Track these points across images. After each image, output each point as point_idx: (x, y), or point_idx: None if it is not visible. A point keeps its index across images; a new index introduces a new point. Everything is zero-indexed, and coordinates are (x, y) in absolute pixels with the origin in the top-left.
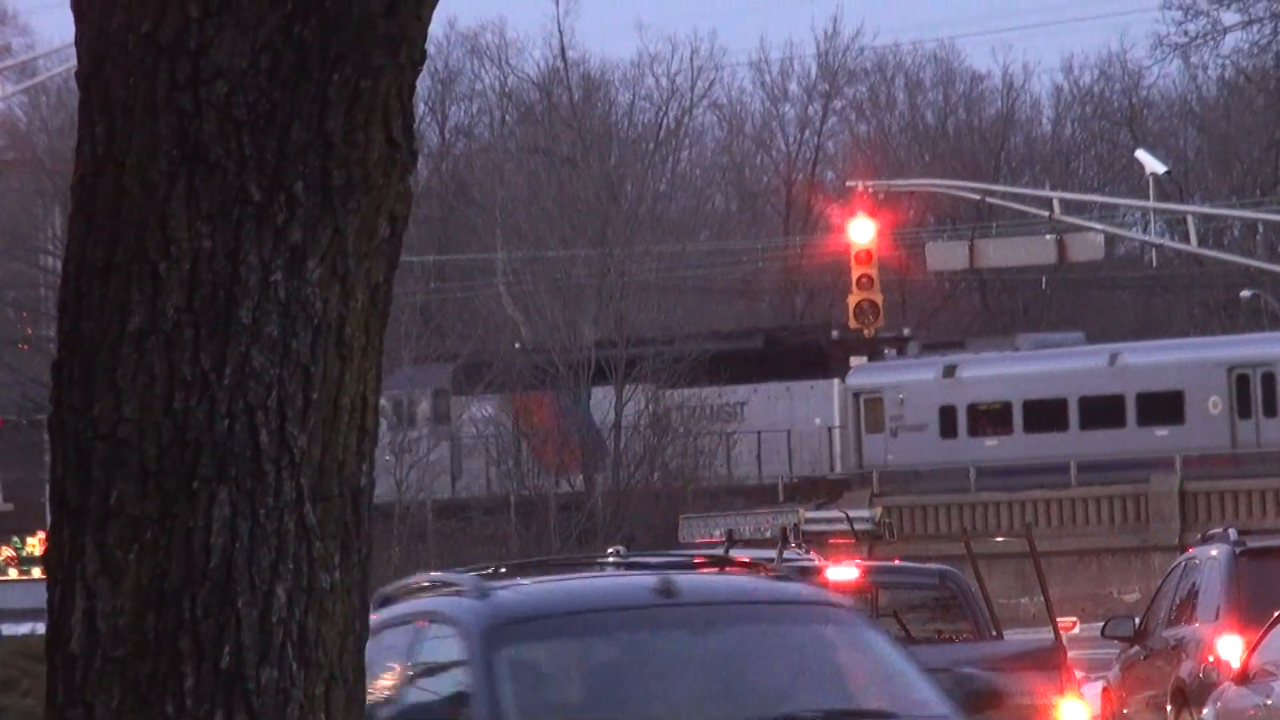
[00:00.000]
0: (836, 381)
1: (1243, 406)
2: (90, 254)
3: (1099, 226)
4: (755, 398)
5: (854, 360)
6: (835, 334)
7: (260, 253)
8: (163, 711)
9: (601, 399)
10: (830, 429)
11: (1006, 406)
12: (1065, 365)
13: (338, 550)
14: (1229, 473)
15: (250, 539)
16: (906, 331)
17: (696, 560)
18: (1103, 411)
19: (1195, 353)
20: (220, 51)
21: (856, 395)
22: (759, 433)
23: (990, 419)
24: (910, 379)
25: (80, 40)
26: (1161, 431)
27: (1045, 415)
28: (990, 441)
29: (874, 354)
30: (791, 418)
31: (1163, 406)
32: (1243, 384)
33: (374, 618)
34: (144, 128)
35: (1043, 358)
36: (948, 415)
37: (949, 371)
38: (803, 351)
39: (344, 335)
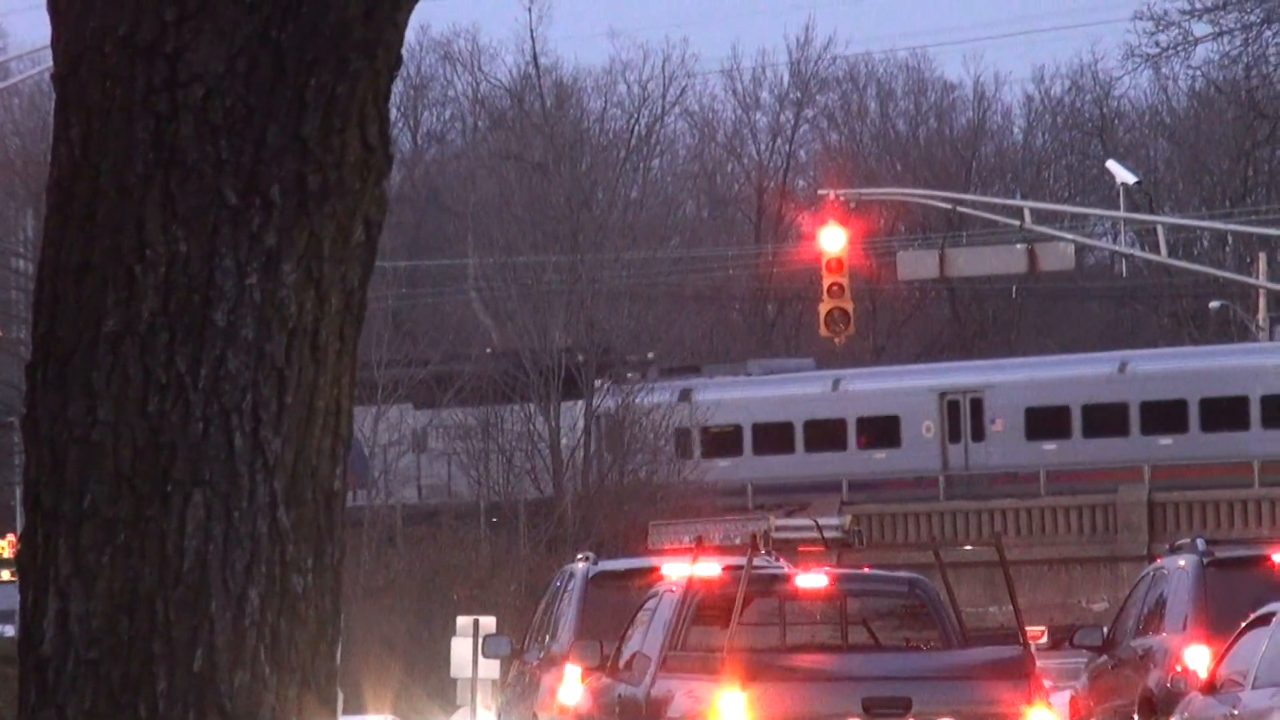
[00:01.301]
0: (582, 403)
1: (953, 431)
2: (65, 256)
3: (1069, 236)
4: (512, 417)
5: (597, 383)
6: (580, 357)
7: (236, 256)
8: (135, 714)
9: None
10: (574, 450)
11: (737, 429)
12: (791, 390)
13: (310, 554)
14: (1197, 484)
15: (224, 542)
16: (650, 355)
17: None
18: (826, 434)
19: (910, 380)
20: (197, 55)
21: (598, 417)
22: (508, 454)
23: (722, 441)
24: (648, 402)
25: (56, 42)
26: (880, 454)
27: (773, 438)
28: (723, 463)
29: (617, 377)
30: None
31: (881, 430)
32: (953, 409)
33: None
34: (120, 130)
35: (771, 383)
36: (683, 437)
37: (684, 395)
38: (556, 373)
39: (319, 339)
